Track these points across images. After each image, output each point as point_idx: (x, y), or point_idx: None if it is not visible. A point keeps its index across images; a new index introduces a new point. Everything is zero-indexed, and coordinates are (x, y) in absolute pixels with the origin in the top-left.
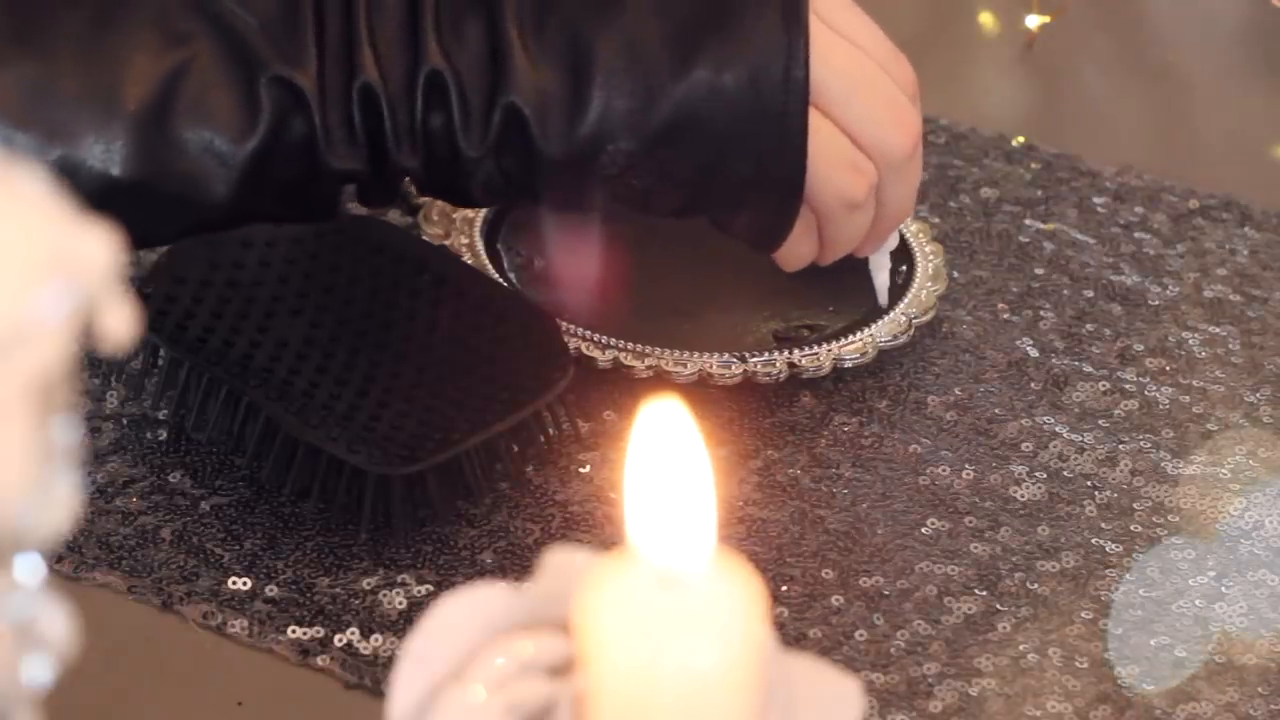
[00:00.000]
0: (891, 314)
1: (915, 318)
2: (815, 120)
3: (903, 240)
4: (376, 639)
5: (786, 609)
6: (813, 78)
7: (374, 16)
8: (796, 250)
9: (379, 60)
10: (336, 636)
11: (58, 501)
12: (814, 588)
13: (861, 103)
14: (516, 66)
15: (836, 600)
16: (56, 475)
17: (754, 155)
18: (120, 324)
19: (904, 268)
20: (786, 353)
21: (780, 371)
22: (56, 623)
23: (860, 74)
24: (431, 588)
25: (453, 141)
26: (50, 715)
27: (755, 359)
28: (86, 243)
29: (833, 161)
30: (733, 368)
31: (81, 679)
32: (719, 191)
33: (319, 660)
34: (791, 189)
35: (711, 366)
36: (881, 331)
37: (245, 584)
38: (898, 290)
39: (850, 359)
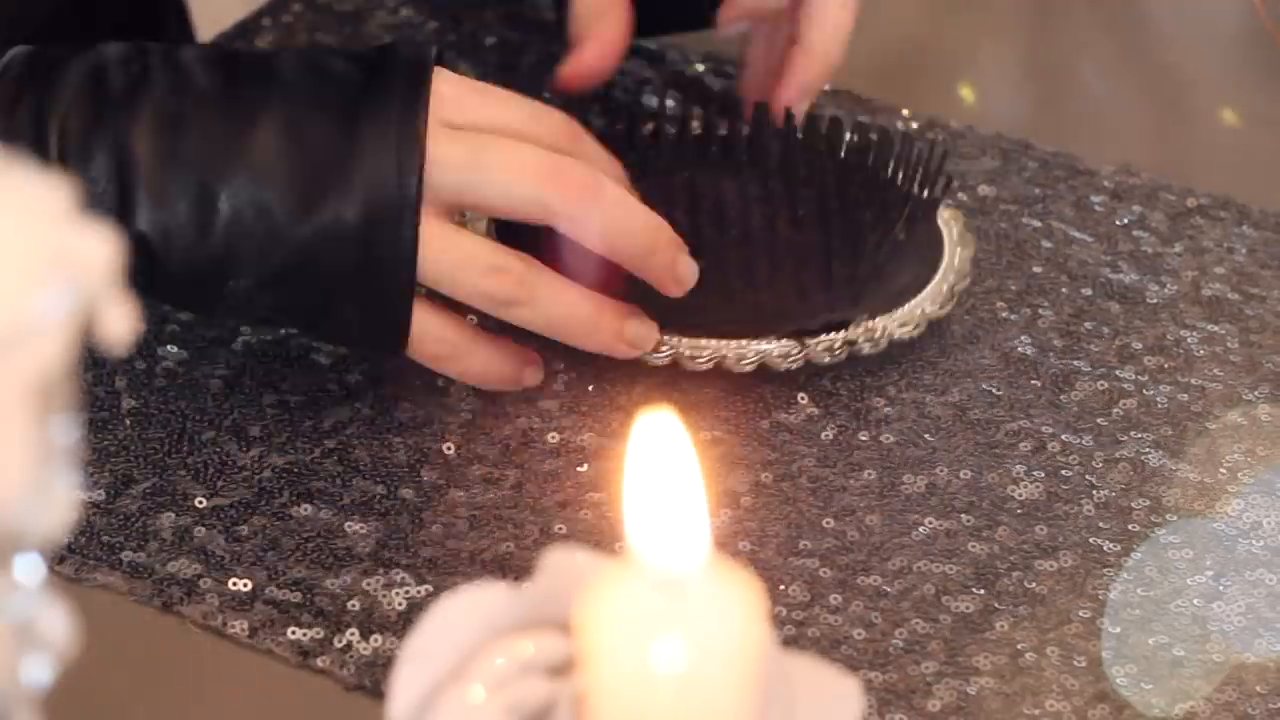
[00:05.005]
0: (931, 285)
1: (955, 284)
2: (447, 235)
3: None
4: (376, 640)
5: (785, 608)
6: (429, 184)
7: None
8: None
9: None
10: (336, 637)
11: (58, 501)
12: (812, 587)
13: (489, 180)
14: (140, 200)
15: (835, 599)
16: (56, 475)
17: (358, 303)
18: (120, 324)
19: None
20: (843, 331)
21: (839, 352)
22: (56, 623)
23: (482, 156)
24: (431, 588)
25: None
26: (50, 715)
27: (814, 342)
28: (86, 243)
29: (470, 270)
30: (793, 353)
31: (81, 679)
32: (330, 329)
33: (319, 661)
34: (392, 334)
35: (772, 354)
36: (927, 301)
37: (246, 585)
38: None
39: (903, 333)
